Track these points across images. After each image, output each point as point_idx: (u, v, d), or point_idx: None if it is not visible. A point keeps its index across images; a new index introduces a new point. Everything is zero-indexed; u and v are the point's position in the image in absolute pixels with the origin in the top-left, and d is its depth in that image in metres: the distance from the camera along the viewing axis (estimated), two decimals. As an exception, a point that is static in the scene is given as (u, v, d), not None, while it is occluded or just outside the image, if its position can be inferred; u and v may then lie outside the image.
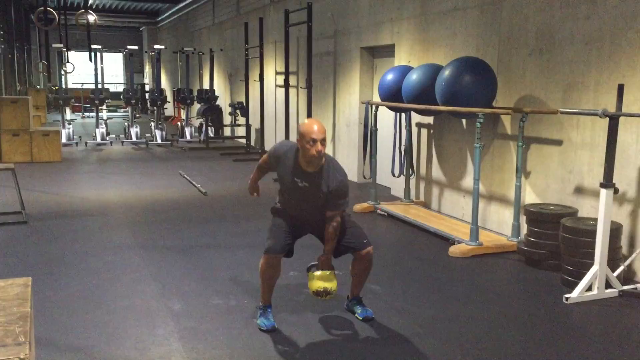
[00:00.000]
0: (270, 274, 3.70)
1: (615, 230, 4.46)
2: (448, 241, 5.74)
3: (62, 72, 16.18)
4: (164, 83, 23.65)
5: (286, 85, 10.29)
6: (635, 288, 4.40)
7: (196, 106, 16.42)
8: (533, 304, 4.32)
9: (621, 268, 4.47)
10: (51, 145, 11.12)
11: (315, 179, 3.59)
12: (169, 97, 20.21)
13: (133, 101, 15.09)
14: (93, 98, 14.70)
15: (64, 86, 15.86)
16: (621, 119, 4.31)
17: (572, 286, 4.40)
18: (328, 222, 3.61)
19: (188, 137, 14.97)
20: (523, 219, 5.39)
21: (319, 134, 3.46)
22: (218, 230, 6.31)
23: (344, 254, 3.82)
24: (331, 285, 3.66)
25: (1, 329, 1.95)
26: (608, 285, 4.36)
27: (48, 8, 15.14)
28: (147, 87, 23.91)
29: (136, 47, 16.53)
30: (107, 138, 14.26)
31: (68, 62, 16.79)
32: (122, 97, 15.63)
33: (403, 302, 4.30)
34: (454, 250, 5.45)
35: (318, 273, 3.66)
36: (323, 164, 3.59)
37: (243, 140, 13.84)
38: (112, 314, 3.99)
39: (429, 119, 7.21)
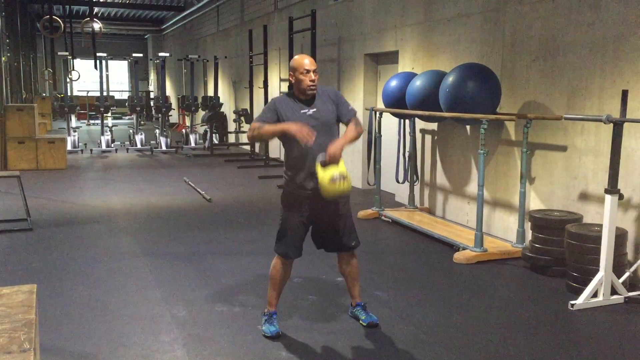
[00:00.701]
0: (282, 276, 3.77)
1: (620, 237, 4.44)
2: (452, 247, 5.73)
3: (68, 80, 16.27)
4: (169, 90, 23.76)
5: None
6: (641, 294, 4.38)
7: (201, 113, 16.48)
8: (538, 310, 4.30)
9: (627, 274, 4.45)
10: (56, 153, 11.17)
11: (318, 102, 3.68)
12: (174, 104, 20.29)
13: (138, 108, 15.15)
14: (98, 105, 14.76)
15: (69, 94, 15.93)
16: (625, 124, 4.31)
17: (577, 292, 4.39)
18: (349, 125, 3.68)
19: (193, 144, 15.01)
20: (528, 225, 5.38)
21: (311, 65, 3.62)
22: (222, 237, 6.32)
23: (331, 250, 3.88)
24: (345, 171, 3.49)
25: (6, 336, 1.96)
26: (613, 291, 4.34)
27: (54, 16, 15.23)
28: (152, 95, 23.99)
29: (141, 55, 16.61)
30: (112, 145, 14.31)
31: (73, 69, 16.89)
32: (127, 104, 15.70)
33: (407, 308, 4.29)
34: (458, 256, 5.44)
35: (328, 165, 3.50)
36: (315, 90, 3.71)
37: (247, 147, 13.87)
38: (116, 321, 3.99)
39: (433, 125, 7.21)
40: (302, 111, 3.63)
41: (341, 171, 3.46)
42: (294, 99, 3.69)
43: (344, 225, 3.78)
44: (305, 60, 3.64)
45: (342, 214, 3.77)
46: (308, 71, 3.60)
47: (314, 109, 3.64)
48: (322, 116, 3.64)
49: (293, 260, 3.79)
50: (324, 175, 3.45)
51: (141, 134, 14.80)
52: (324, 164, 3.48)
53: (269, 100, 11.71)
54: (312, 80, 3.61)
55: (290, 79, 3.69)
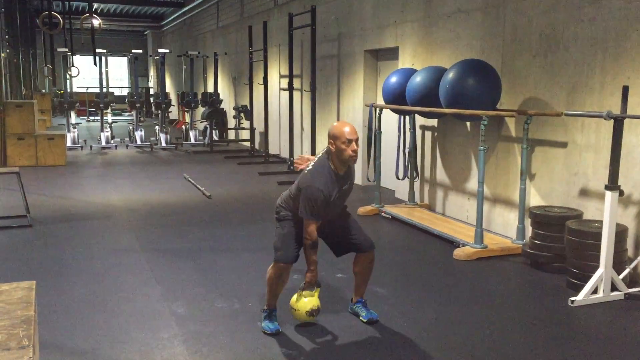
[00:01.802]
0: (279, 282, 3.74)
1: (620, 233, 4.44)
2: (453, 244, 5.73)
3: (67, 76, 16.27)
4: (169, 87, 23.74)
5: (290, 88, 10.30)
6: (641, 291, 4.38)
7: (200, 110, 16.46)
8: (538, 306, 4.30)
9: (627, 271, 4.45)
10: (56, 149, 11.16)
11: (348, 175, 3.66)
12: (174, 101, 20.27)
13: (138, 105, 15.14)
14: (98, 102, 14.75)
15: (69, 90, 15.93)
16: (626, 120, 4.30)
17: (577, 289, 4.38)
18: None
19: (192, 141, 15.00)
20: (528, 222, 5.38)
21: (353, 134, 3.52)
22: (222, 233, 6.32)
23: (347, 252, 3.84)
24: (319, 304, 3.74)
25: (5, 333, 1.95)
26: (614, 288, 4.34)
27: (53, 12, 15.21)
28: (151, 91, 23.96)
29: (141, 51, 16.57)
30: (112, 142, 14.30)
31: (73, 66, 16.88)
32: (126, 100, 15.69)
33: (407, 304, 4.28)
34: (458, 253, 5.44)
35: (304, 293, 3.71)
36: None
37: (247, 144, 13.86)
38: (116, 317, 3.99)
39: (433, 122, 7.20)
40: (342, 187, 3.61)
41: (319, 305, 3.70)
42: (336, 174, 3.57)
43: (355, 226, 3.80)
44: (346, 129, 3.49)
45: (349, 221, 3.79)
46: (350, 141, 3.49)
47: (346, 185, 3.65)
48: (347, 192, 3.70)
49: (290, 266, 3.71)
50: (304, 305, 3.68)
51: (141, 130, 14.79)
52: (304, 288, 3.71)
53: (276, 97, 11.80)
54: (354, 151, 3.51)
55: (330, 147, 3.55)
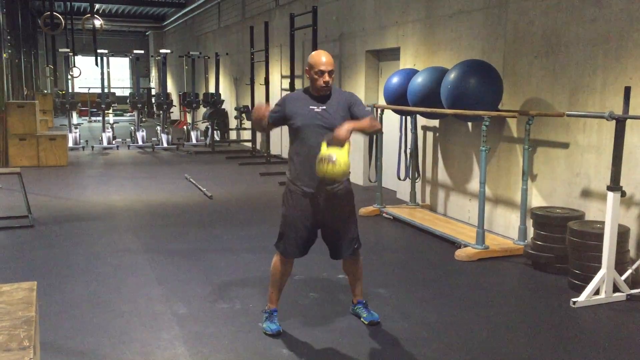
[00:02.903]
0: (282, 274, 3.75)
1: (622, 234, 4.43)
2: (454, 245, 5.72)
3: (69, 77, 16.28)
4: (170, 87, 23.73)
5: (292, 88, 10.29)
6: (643, 292, 4.37)
7: (202, 110, 16.46)
8: (540, 307, 4.29)
9: (629, 272, 4.44)
10: (58, 150, 11.16)
11: (331, 102, 3.62)
12: (175, 101, 20.28)
13: (139, 105, 15.13)
14: (99, 102, 14.75)
15: (70, 90, 15.94)
16: (628, 121, 4.29)
17: (579, 290, 4.38)
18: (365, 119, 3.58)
19: (194, 141, 15.00)
20: (530, 223, 5.37)
21: (327, 65, 3.54)
22: (223, 233, 6.31)
23: (337, 258, 3.84)
24: (339, 156, 3.29)
25: (6, 333, 1.95)
26: (616, 289, 4.32)
27: (54, 13, 15.21)
28: (153, 91, 23.96)
29: (142, 52, 16.57)
30: (114, 142, 14.31)
31: (75, 66, 16.88)
32: (128, 101, 15.68)
33: (409, 306, 4.28)
34: (460, 253, 5.43)
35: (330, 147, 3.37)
36: (331, 90, 3.65)
37: (249, 144, 13.86)
38: (117, 318, 3.98)
39: (435, 122, 7.19)
40: (310, 107, 3.60)
41: (337, 154, 3.29)
42: (308, 94, 3.66)
43: (344, 231, 3.72)
44: (322, 58, 3.55)
45: (343, 219, 3.71)
46: (323, 72, 3.53)
47: (323, 107, 3.59)
48: (330, 117, 3.56)
49: (293, 259, 3.75)
50: (323, 154, 3.33)
51: (142, 130, 14.79)
52: (329, 143, 3.37)
53: (277, 97, 11.78)
54: (326, 82, 3.54)
55: (307, 74, 3.63)
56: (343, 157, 3.30)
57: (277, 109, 3.69)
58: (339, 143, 3.33)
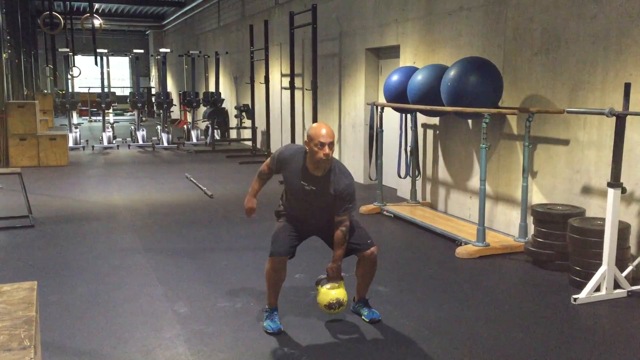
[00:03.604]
0: (276, 277, 3.71)
1: (623, 230, 4.42)
2: (455, 242, 5.72)
3: (69, 76, 16.27)
4: (170, 86, 23.74)
5: (292, 87, 10.28)
6: (644, 288, 4.37)
7: (202, 109, 16.46)
8: (541, 304, 4.29)
9: (630, 268, 4.44)
10: (58, 149, 11.17)
11: (323, 183, 3.59)
12: (175, 100, 20.27)
13: (139, 104, 15.14)
14: (99, 102, 14.75)
15: (70, 90, 15.93)
16: (628, 117, 4.28)
17: (580, 287, 4.37)
18: (337, 227, 3.60)
19: (194, 140, 15.00)
20: (530, 220, 5.36)
21: (327, 138, 3.49)
22: (224, 233, 6.31)
23: (349, 255, 3.81)
24: (343, 296, 3.66)
25: (6, 333, 1.95)
26: (616, 285, 4.32)
27: (54, 13, 15.20)
28: (153, 91, 23.96)
29: (142, 51, 16.55)
30: (114, 142, 14.31)
31: (74, 66, 16.87)
32: (128, 100, 15.69)
33: (409, 303, 4.28)
34: (460, 251, 5.43)
35: (328, 285, 3.67)
36: (330, 168, 3.60)
37: (249, 143, 13.86)
38: (118, 318, 3.99)
39: (435, 120, 7.18)
40: (302, 182, 3.60)
41: (339, 298, 3.62)
42: (304, 165, 3.61)
43: (357, 235, 3.75)
44: (322, 131, 3.50)
45: (352, 229, 3.75)
46: (323, 144, 3.48)
47: (314, 188, 3.59)
48: (317, 199, 3.63)
49: (284, 259, 3.68)
50: (322, 297, 3.64)
51: (143, 130, 14.79)
52: (324, 284, 3.68)
53: (278, 95, 11.78)
54: (326, 155, 3.49)
55: (306, 145, 3.58)
56: (344, 293, 3.66)
57: (272, 167, 3.79)
58: (335, 281, 3.66)
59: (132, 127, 15.54)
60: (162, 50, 16.05)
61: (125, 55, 21.52)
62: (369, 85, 8.91)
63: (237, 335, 3.71)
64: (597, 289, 4.28)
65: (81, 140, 14.24)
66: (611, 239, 4.22)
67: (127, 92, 26.14)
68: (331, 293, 3.63)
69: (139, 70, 16.80)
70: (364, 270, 3.85)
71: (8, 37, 14.48)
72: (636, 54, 4.63)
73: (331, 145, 3.50)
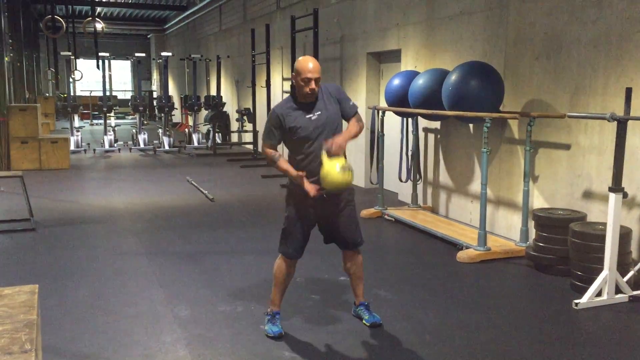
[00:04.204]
0: (286, 275, 3.76)
1: (624, 235, 4.42)
2: (456, 246, 5.71)
3: (71, 80, 16.28)
4: (172, 90, 23.76)
5: (293, 91, 10.29)
6: (646, 293, 4.36)
7: (203, 113, 16.47)
8: (542, 309, 4.28)
9: (631, 273, 4.43)
10: (60, 153, 11.18)
11: (320, 104, 3.62)
12: (177, 104, 20.30)
13: (141, 108, 15.14)
14: (101, 105, 14.77)
15: (72, 94, 15.95)
16: (630, 122, 4.28)
17: (581, 291, 4.37)
18: (351, 121, 3.67)
19: (195, 144, 15.01)
20: (531, 224, 5.36)
21: (314, 73, 3.51)
22: (225, 236, 6.31)
23: (331, 242, 3.83)
24: (347, 163, 3.45)
25: (7, 337, 1.95)
26: (618, 290, 4.31)
27: (56, 16, 15.24)
28: (154, 94, 23.99)
29: (144, 55, 16.59)
30: (115, 145, 14.31)
31: (76, 69, 16.89)
32: (130, 104, 15.70)
33: (410, 308, 4.27)
34: (461, 255, 5.42)
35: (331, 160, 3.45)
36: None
37: (250, 147, 13.86)
38: (119, 321, 3.98)
39: (436, 124, 7.19)
40: (307, 116, 3.59)
41: (345, 163, 3.44)
42: (295, 102, 3.63)
43: (347, 221, 3.75)
44: (309, 65, 3.51)
45: (345, 211, 3.74)
46: (309, 80, 3.50)
47: (318, 112, 3.60)
48: (327, 118, 3.60)
49: (297, 260, 3.78)
50: (332, 164, 3.40)
51: (144, 133, 14.79)
52: (329, 153, 3.44)
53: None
54: (312, 90, 3.52)
55: (293, 79, 3.63)
56: (347, 162, 3.50)
57: (277, 133, 3.63)
58: (340, 153, 3.44)
59: (134, 130, 15.55)
60: (163, 53, 16.06)
61: (127, 58, 21.52)
62: (370, 89, 8.92)
63: (238, 339, 3.70)
64: (599, 294, 4.27)
65: (83, 144, 14.24)
66: (612, 244, 4.22)
67: (128, 95, 26.22)
68: (338, 160, 3.41)
69: (140, 73, 16.83)
70: (350, 266, 3.89)
71: (10, 40, 14.50)
72: (637, 59, 4.64)
73: (317, 80, 3.52)
